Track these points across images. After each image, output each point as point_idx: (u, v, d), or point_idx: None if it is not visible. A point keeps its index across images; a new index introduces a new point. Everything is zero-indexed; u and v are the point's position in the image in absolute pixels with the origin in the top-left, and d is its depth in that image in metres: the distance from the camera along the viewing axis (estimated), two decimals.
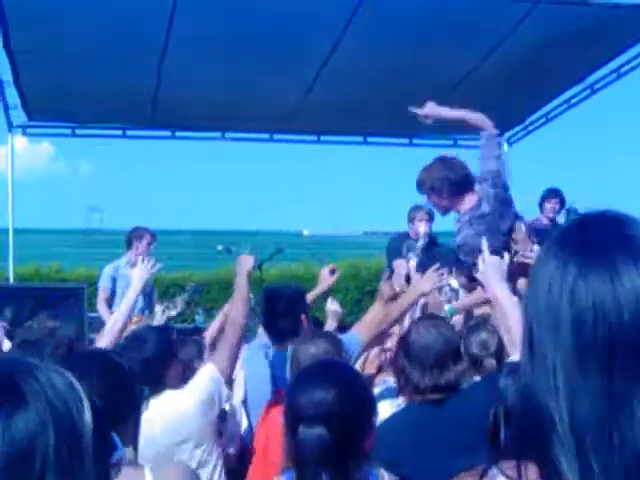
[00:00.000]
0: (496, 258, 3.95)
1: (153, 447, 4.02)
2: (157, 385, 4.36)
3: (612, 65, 9.83)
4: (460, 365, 3.90)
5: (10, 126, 11.41)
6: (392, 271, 6.23)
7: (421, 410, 3.78)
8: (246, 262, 5.25)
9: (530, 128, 12.16)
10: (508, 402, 3.08)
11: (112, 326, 5.33)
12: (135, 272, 5.46)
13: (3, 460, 1.14)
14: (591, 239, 1.21)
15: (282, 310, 5.46)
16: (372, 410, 2.82)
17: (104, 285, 9.99)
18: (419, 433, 3.64)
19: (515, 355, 3.78)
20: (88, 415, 1.27)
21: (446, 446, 3.39)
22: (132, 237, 10.12)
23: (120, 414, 2.79)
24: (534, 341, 1.20)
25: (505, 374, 3.21)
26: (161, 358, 4.44)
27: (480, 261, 3.94)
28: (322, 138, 12.60)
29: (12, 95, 10.33)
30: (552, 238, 1.27)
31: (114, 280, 9.94)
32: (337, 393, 2.69)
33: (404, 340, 4.08)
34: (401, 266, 7.02)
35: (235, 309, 4.94)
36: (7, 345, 5.96)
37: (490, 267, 3.88)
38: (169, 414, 4.29)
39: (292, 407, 2.73)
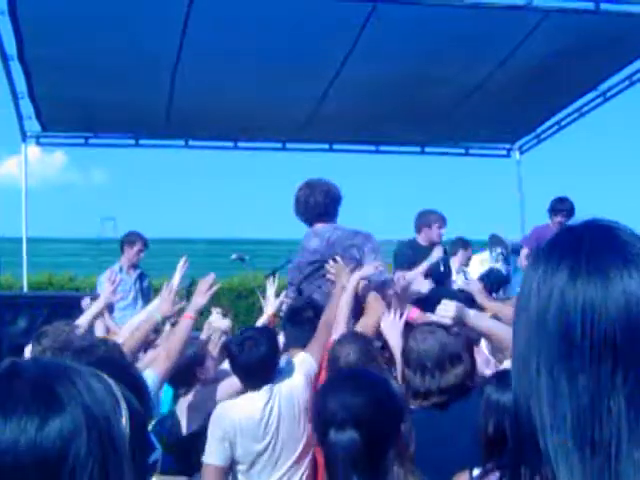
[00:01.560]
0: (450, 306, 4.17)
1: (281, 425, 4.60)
2: (266, 380, 4.69)
3: (624, 73, 9.84)
4: (459, 368, 3.95)
5: (24, 136, 11.47)
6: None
7: (424, 414, 3.81)
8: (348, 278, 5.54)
9: (542, 136, 12.16)
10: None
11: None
12: (193, 299, 5.41)
13: (33, 465, 1.13)
14: (581, 244, 1.22)
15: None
16: (401, 416, 2.82)
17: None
18: (423, 437, 3.66)
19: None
20: (125, 420, 1.28)
21: (448, 449, 3.42)
22: (124, 242, 10.07)
23: None
24: (522, 346, 1.21)
25: (495, 386, 3.27)
26: (273, 356, 4.77)
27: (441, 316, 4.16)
28: (334, 147, 12.61)
29: (26, 105, 10.38)
30: (543, 244, 1.28)
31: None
32: (366, 398, 2.72)
33: (404, 348, 4.21)
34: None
35: (330, 312, 5.31)
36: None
37: (455, 313, 4.06)
38: (287, 394, 4.70)
39: (322, 412, 2.75)
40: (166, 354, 4.73)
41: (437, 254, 8.65)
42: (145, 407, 3.02)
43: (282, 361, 5.03)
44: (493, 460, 3.18)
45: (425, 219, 9.05)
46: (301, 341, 5.30)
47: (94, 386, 1.25)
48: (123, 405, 1.28)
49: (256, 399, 4.63)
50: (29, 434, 1.13)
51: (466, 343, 4.19)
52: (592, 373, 1.13)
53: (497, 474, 1.27)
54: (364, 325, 5.40)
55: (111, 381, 1.30)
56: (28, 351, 5.25)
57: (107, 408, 1.24)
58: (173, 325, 5.57)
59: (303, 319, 5.44)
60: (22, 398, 1.16)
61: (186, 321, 4.92)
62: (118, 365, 3.30)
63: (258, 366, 4.65)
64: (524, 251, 10.13)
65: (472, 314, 4.17)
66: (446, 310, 4.14)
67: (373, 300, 5.61)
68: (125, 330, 5.65)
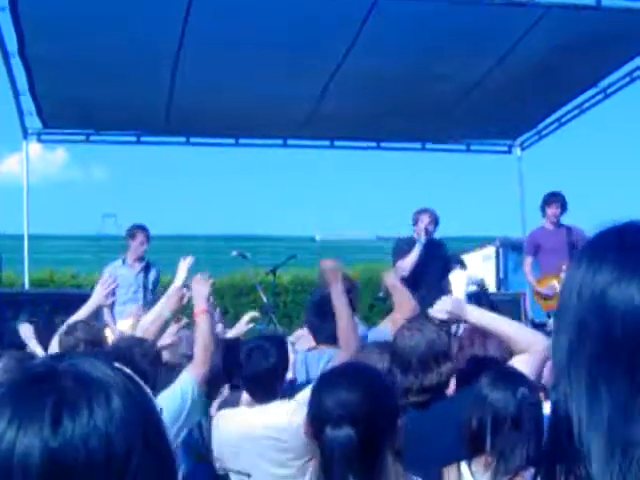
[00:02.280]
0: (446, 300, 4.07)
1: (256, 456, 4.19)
2: (270, 396, 4.41)
3: (625, 69, 9.84)
4: (444, 367, 3.92)
5: (25, 133, 11.46)
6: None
7: (405, 413, 3.79)
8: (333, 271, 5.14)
9: (543, 133, 12.16)
10: (498, 410, 3.21)
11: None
12: (194, 291, 5.38)
13: (105, 461, 1.09)
14: (623, 244, 1.20)
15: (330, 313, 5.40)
16: (396, 412, 2.82)
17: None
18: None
19: (517, 357, 3.83)
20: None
21: (428, 449, 3.42)
22: (126, 236, 10.11)
23: None
24: (564, 346, 1.19)
25: (487, 383, 3.29)
26: (280, 368, 4.52)
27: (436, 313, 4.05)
28: (335, 143, 12.62)
29: (27, 102, 10.39)
30: (586, 243, 1.26)
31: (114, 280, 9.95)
32: (362, 393, 2.70)
33: (392, 343, 4.14)
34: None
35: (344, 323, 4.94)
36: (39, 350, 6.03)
37: (451, 308, 3.99)
38: (273, 427, 4.28)
39: (318, 409, 2.72)
40: (202, 355, 4.55)
41: (415, 252, 8.83)
42: None
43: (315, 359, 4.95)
44: (477, 453, 3.23)
45: (415, 216, 9.16)
46: (330, 335, 5.15)
47: (124, 375, 1.21)
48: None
49: (256, 414, 4.39)
50: (99, 429, 1.10)
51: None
52: (629, 374, 1.12)
53: (531, 470, 1.26)
54: (394, 320, 5.33)
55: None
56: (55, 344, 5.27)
57: (149, 398, 1.22)
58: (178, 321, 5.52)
59: (329, 311, 5.33)
60: (79, 394, 1.13)
61: (201, 317, 4.73)
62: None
63: (264, 378, 4.45)
64: (528, 260, 10.09)
65: (471, 310, 4.08)
66: (443, 305, 4.08)
67: (401, 295, 5.53)
68: (138, 331, 5.62)
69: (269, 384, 4.46)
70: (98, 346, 5.02)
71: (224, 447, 4.36)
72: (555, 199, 9.86)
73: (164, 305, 5.49)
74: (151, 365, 4.40)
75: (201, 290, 4.89)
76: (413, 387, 3.85)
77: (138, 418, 1.15)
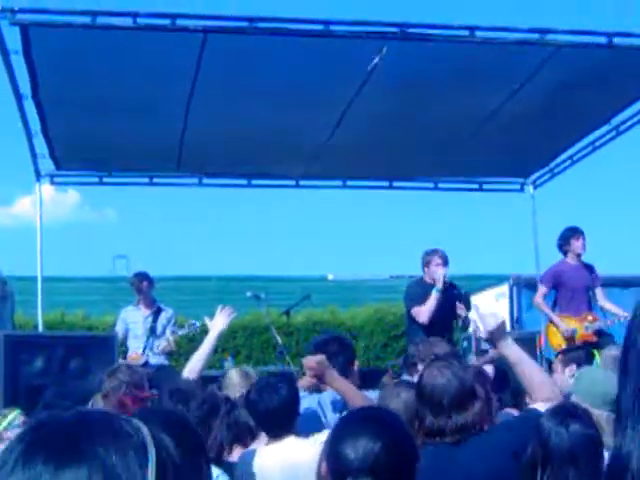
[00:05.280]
0: (496, 319, 4.03)
1: None
2: (284, 431, 4.51)
3: (637, 106, 9.82)
4: (477, 405, 3.81)
5: (38, 175, 11.47)
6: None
7: (437, 453, 3.68)
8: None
9: (555, 170, 12.12)
10: (550, 442, 3.18)
11: (191, 369, 5.42)
12: (213, 323, 5.58)
13: None
14: None
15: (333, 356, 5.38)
16: (416, 457, 2.77)
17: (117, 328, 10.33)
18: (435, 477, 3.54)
19: (536, 402, 3.80)
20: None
21: None
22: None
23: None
24: (630, 391, 1.18)
25: (548, 416, 3.26)
26: (292, 402, 4.61)
27: (480, 323, 4.02)
28: (348, 183, 12.60)
29: (40, 144, 10.41)
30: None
31: (125, 324, 10.27)
32: (383, 444, 2.65)
33: (417, 383, 4.01)
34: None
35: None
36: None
37: (495, 329, 3.96)
38: (289, 462, 4.34)
39: (338, 459, 2.68)
40: None
41: (432, 300, 8.75)
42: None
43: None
44: None
45: (425, 258, 9.10)
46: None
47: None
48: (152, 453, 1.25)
49: (271, 452, 4.46)
50: None
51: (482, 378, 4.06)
52: None
53: None
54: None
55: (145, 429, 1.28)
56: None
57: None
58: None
59: (329, 353, 5.30)
60: (47, 449, 1.18)
61: None
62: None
63: (277, 413, 4.51)
64: (541, 289, 9.92)
65: (511, 342, 4.04)
66: (489, 322, 4.01)
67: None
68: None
69: (283, 419, 4.53)
70: (140, 389, 5.26)
71: None
72: (580, 232, 9.75)
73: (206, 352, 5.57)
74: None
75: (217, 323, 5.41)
76: (444, 427, 3.72)
77: None
